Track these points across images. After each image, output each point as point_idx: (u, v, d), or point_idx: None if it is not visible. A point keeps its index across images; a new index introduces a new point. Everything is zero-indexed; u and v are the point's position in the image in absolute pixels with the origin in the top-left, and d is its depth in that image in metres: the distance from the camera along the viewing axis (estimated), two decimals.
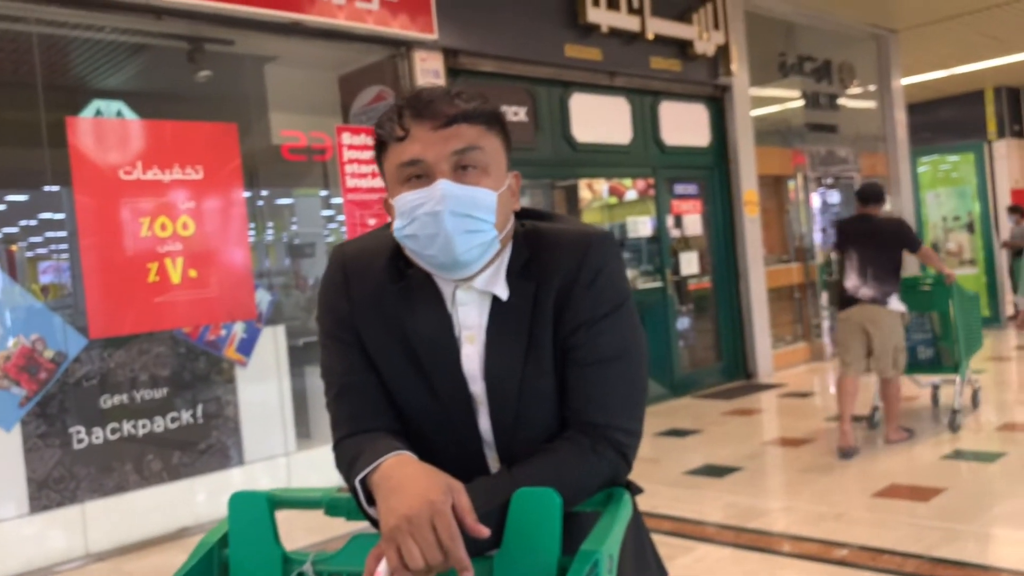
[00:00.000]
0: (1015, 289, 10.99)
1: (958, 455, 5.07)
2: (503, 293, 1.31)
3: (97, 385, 4.73)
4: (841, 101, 9.88)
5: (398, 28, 5.60)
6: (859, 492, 4.53)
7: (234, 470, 5.14)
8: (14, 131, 5.63)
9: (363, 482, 1.20)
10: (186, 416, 5.00)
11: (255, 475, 5.20)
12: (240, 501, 1.26)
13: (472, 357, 1.32)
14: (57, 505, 4.50)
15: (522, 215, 1.40)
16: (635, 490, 1.34)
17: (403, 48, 5.82)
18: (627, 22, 7.02)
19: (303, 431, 5.61)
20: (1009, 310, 11.01)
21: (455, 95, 1.27)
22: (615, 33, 6.98)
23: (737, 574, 3.63)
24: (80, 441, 4.61)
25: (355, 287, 1.36)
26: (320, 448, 5.51)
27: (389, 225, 1.37)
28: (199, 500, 4.94)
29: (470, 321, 1.32)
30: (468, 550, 1.09)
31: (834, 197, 9.92)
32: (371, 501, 1.20)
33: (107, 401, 4.74)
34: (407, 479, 1.14)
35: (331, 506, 1.29)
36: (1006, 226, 11.73)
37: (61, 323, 4.54)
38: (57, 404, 4.56)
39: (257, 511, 1.25)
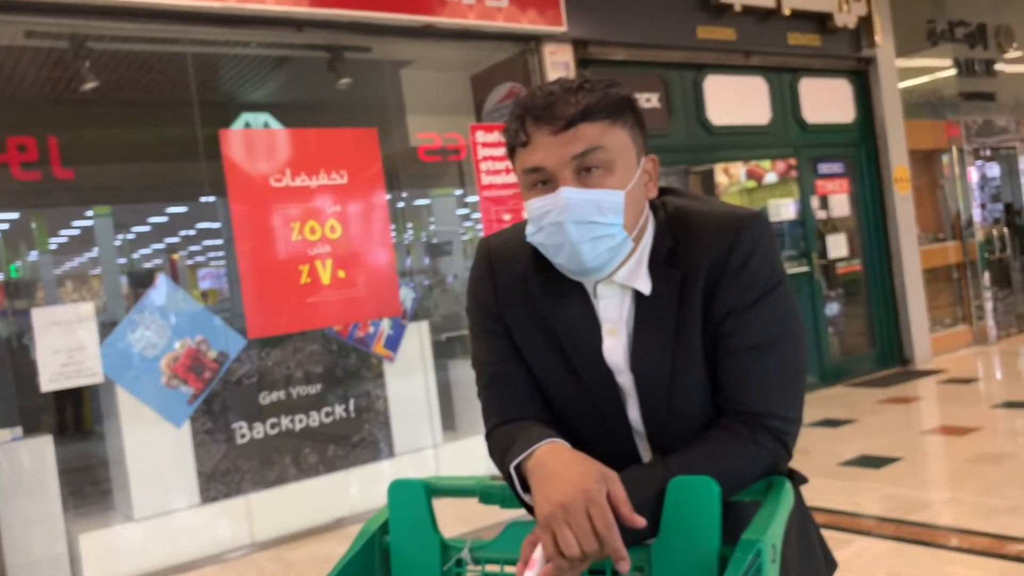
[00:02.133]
0: None
1: None
2: (645, 287, 1.28)
3: (256, 383, 4.99)
4: (999, 67, 9.23)
5: (527, 23, 5.63)
6: None
7: (385, 462, 5.31)
8: (174, 147, 6.01)
9: (518, 469, 1.21)
10: (339, 411, 5.20)
11: (405, 467, 5.35)
12: (399, 489, 1.29)
13: (615, 350, 1.30)
14: (224, 496, 4.77)
15: (664, 194, 1.37)
16: (799, 479, 1.29)
17: (532, 43, 5.84)
18: None
19: (449, 423, 5.74)
20: None
21: (577, 88, 1.23)
22: (749, 11, 6.76)
23: (900, 568, 3.45)
24: (243, 436, 4.88)
25: (501, 279, 1.37)
26: (466, 440, 5.62)
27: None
28: (353, 491, 5.13)
29: (610, 314, 1.31)
30: (624, 539, 1.08)
31: (994, 170, 9.29)
32: (525, 488, 1.21)
33: (266, 398, 4.99)
34: (562, 466, 1.14)
35: (485, 494, 1.31)
36: None
37: (222, 324, 4.81)
38: (220, 401, 4.84)
39: (415, 498, 1.28)
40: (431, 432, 5.49)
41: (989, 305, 8.59)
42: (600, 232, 1.22)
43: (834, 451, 5.23)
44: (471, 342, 1.44)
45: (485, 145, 5.51)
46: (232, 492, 4.80)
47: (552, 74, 5.81)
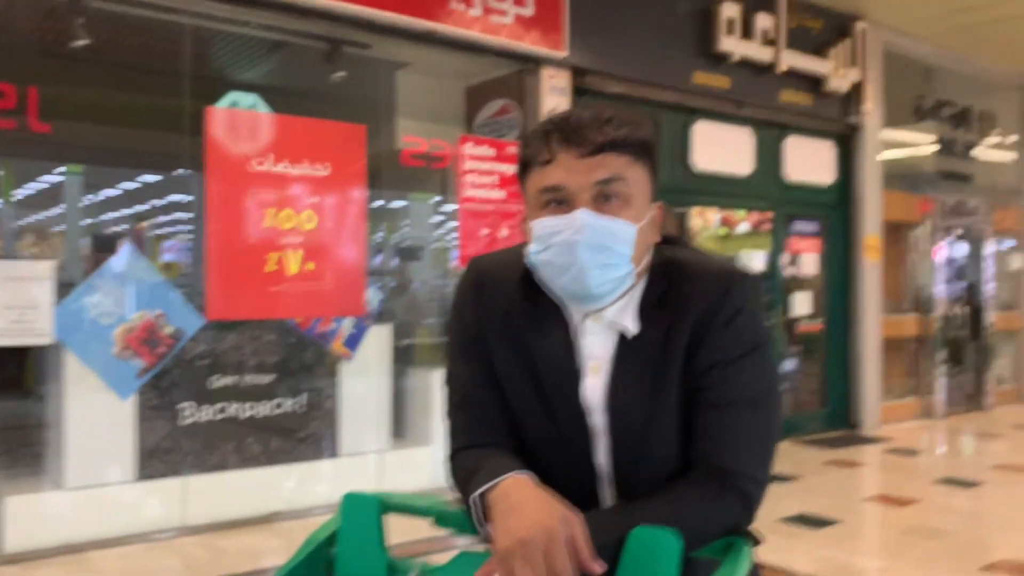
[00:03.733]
0: None
1: None
2: (633, 328, 1.28)
3: (208, 365, 4.90)
4: (977, 150, 9.44)
5: (529, 44, 5.64)
6: (966, 563, 4.28)
7: (328, 461, 5.24)
8: (158, 116, 5.92)
9: (481, 498, 1.19)
10: (289, 404, 5.13)
11: (348, 468, 5.29)
12: (352, 502, 1.27)
13: (595, 388, 1.29)
14: (161, 475, 4.68)
15: (661, 241, 1.37)
16: (755, 541, 1.29)
17: (532, 64, 5.85)
18: (760, 52, 6.88)
19: (398, 430, 5.69)
20: None
21: (606, 121, 1.24)
22: (746, 63, 6.85)
23: None
24: (188, 417, 4.79)
25: (487, 301, 1.36)
26: (413, 449, 5.57)
27: (525, 244, 1.37)
28: (292, 487, 5.05)
29: (596, 351, 1.30)
30: None
31: (961, 249, 9.47)
32: (486, 518, 1.19)
33: (216, 381, 4.91)
34: (527, 502, 1.12)
35: (441, 517, 1.29)
36: None
37: (181, 301, 4.73)
38: (170, 379, 4.75)
39: (368, 514, 1.26)
40: (378, 437, 5.43)
41: (941, 381, 8.73)
42: (610, 260, 1.22)
43: (775, 507, 5.26)
44: (447, 359, 1.43)
45: (472, 158, 5.50)
46: (170, 472, 4.70)
47: (547, 98, 5.83)
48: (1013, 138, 9.90)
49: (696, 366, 1.26)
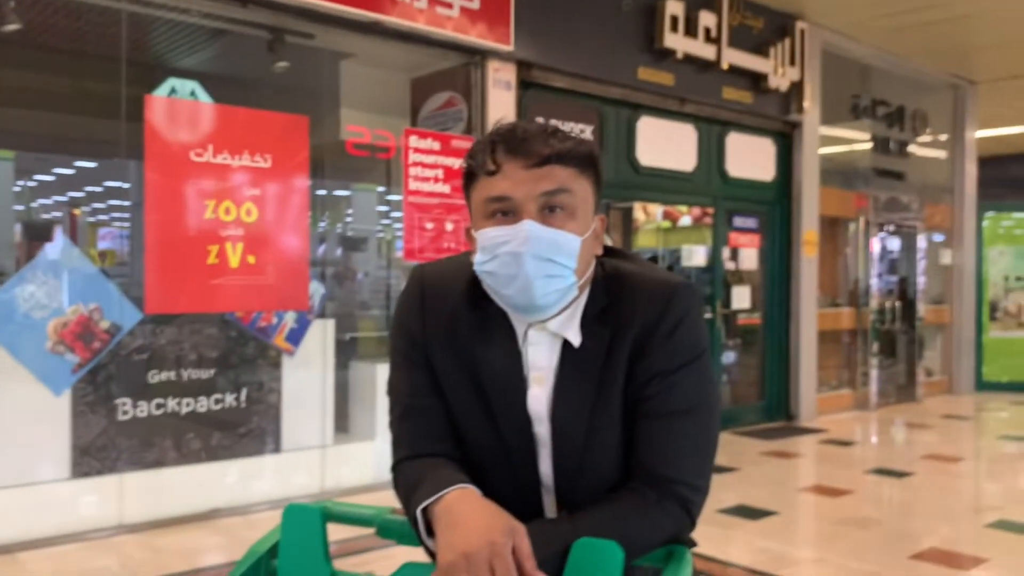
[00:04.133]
0: None
1: (1004, 525, 4.92)
2: (575, 339, 1.29)
3: (146, 359, 4.81)
4: (911, 148, 9.70)
5: (475, 36, 5.63)
6: (896, 552, 4.42)
7: (270, 456, 5.19)
8: (93, 101, 5.77)
9: (424, 511, 1.19)
10: (229, 399, 5.06)
11: (290, 464, 5.24)
12: (294, 514, 1.26)
13: (539, 398, 1.31)
14: (97, 473, 4.58)
15: (603, 253, 1.39)
16: (690, 544, 1.31)
17: (478, 56, 5.84)
18: (703, 50, 6.97)
19: (341, 425, 5.65)
20: None
21: (551, 133, 1.26)
22: (690, 60, 6.93)
23: None
24: (125, 413, 4.69)
25: (431, 311, 1.36)
26: (357, 444, 5.54)
27: (470, 252, 1.38)
28: (233, 483, 4.99)
29: (540, 362, 1.31)
30: None
31: (894, 244, 9.74)
32: (429, 532, 1.19)
33: (155, 376, 4.81)
34: (470, 515, 1.13)
35: (383, 527, 1.29)
36: None
37: (118, 294, 4.62)
38: (106, 374, 4.64)
39: (310, 526, 1.25)
40: (322, 432, 5.39)
41: (874, 373, 8.97)
42: (554, 271, 1.23)
43: (714, 497, 5.32)
44: (390, 368, 1.42)
45: (417, 151, 5.47)
46: (105, 469, 4.61)
47: (493, 91, 5.82)
48: (944, 137, 10.19)
49: (637, 377, 1.28)
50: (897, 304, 9.52)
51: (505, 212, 1.24)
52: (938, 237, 10.37)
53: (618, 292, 1.31)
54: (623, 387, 1.28)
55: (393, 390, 1.39)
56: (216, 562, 4.21)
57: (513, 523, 1.12)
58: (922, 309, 9.76)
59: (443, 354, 1.34)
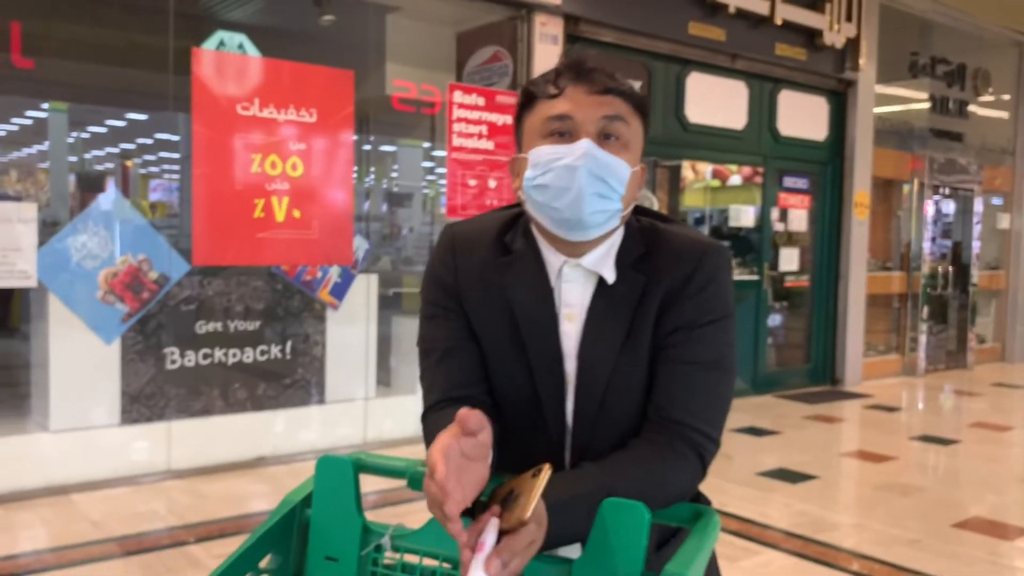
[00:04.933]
0: None
1: None
2: (610, 276, 1.32)
3: (194, 310, 4.90)
4: (971, 108, 9.40)
5: None
6: (938, 520, 4.37)
7: (314, 407, 5.28)
8: (143, 54, 5.81)
9: None
10: (275, 350, 5.14)
11: (333, 415, 5.33)
12: (327, 465, 1.27)
13: (570, 335, 1.33)
14: (146, 420, 4.70)
15: (639, 213, 1.41)
16: (706, 503, 1.32)
17: (524, 10, 5.76)
18: (756, 4, 6.79)
19: (383, 378, 5.72)
20: None
21: (613, 71, 1.30)
22: (742, 14, 6.76)
23: None
24: (173, 362, 4.80)
25: (462, 260, 1.37)
26: (398, 397, 5.62)
27: (498, 209, 1.41)
28: (277, 432, 5.09)
29: (572, 299, 1.34)
30: (549, 544, 1.07)
31: (949, 207, 9.49)
32: None
33: (202, 327, 4.90)
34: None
35: (413, 479, 1.30)
36: None
37: (167, 246, 4.70)
38: (155, 324, 4.75)
39: (342, 477, 1.26)
40: (365, 385, 5.47)
41: (923, 338, 8.81)
42: (606, 192, 1.26)
43: (754, 460, 5.34)
44: (421, 322, 1.43)
45: (462, 106, 5.44)
46: (154, 417, 4.73)
47: (539, 46, 5.75)
48: (1006, 97, 9.84)
49: (663, 327, 1.30)
50: (950, 269, 9.30)
51: (562, 133, 1.28)
52: (996, 200, 10.07)
53: (654, 244, 1.34)
54: (651, 336, 1.31)
55: (426, 339, 1.40)
56: (260, 509, 4.32)
57: (446, 442, 1.02)
58: (976, 274, 9.52)
59: (475, 298, 1.36)
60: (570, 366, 1.32)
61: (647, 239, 1.35)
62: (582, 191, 1.24)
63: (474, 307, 1.36)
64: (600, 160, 1.25)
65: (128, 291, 4.53)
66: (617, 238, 1.34)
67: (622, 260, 1.33)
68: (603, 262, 1.32)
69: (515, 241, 1.37)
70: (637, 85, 1.36)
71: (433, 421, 1.32)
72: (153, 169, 12.01)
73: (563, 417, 1.34)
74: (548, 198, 1.28)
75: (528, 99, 1.33)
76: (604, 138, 1.27)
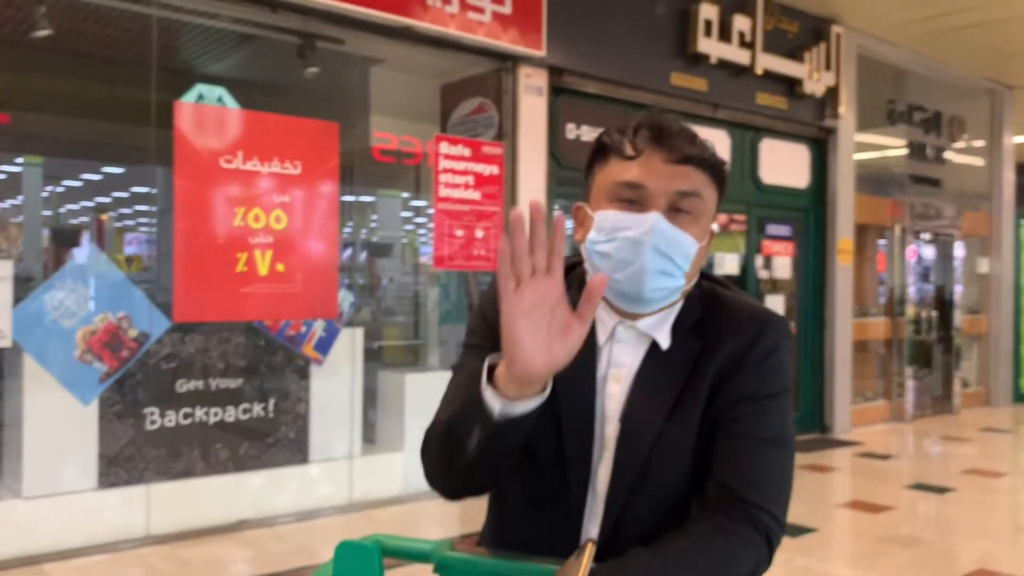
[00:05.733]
0: None
1: None
2: (664, 341, 1.26)
3: (174, 368, 4.75)
4: (947, 155, 9.51)
5: (507, 42, 5.54)
6: (941, 572, 4.28)
7: (297, 467, 5.11)
8: (121, 107, 5.74)
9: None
10: (257, 408, 4.99)
11: (318, 474, 5.16)
12: (348, 551, 1.16)
13: (614, 396, 1.27)
14: (124, 483, 4.52)
15: (701, 276, 1.36)
16: None
17: (509, 62, 5.75)
18: (737, 55, 6.84)
19: (369, 435, 5.57)
20: None
21: (693, 136, 1.24)
22: (723, 65, 6.81)
23: None
24: (153, 422, 4.63)
25: None
26: (384, 455, 5.46)
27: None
28: (261, 494, 4.92)
29: (623, 360, 1.28)
30: None
31: (930, 252, 9.54)
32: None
33: (182, 385, 4.75)
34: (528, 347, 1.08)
35: (442, 565, 1.19)
36: None
37: (146, 302, 4.56)
38: (134, 383, 4.59)
39: (365, 564, 1.15)
40: (350, 442, 5.31)
41: (910, 383, 8.78)
42: (669, 269, 1.21)
43: None
44: (461, 352, 1.38)
45: (447, 157, 5.39)
46: (133, 480, 4.54)
47: (525, 97, 5.73)
48: (981, 143, 9.98)
49: (723, 399, 1.23)
50: (933, 314, 9.32)
51: (632, 201, 1.22)
52: (974, 246, 10.16)
53: (714, 309, 1.29)
54: (704, 405, 1.24)
55: (459, 366, 1.34)
56: (243, 573, 4.13)
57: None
58: (959, 319, 9.55)
59: None
60: (610, 429, 1.25)
61: (706, 304, 1.30)
62: (645, 267, 1.19)
63: None
64: (668, 236, 1.19)
65: (107, 349, 4.38)
66: (677, 306, 1.29)
67: (679, 325, 1.28)
68: (659, 327, 1.27)
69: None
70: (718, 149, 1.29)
71: (432, 433, 1.25)
72: (129, 223, 11.86)
73: (585, 483, 1.25)
74: (609, 267, 1.21)
75: (602, 151, 1.27)
76: (675, 211, 1.21)
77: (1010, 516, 5.55)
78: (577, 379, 1.25)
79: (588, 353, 1.26)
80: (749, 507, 1.17)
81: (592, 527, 1.27)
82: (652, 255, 1.18)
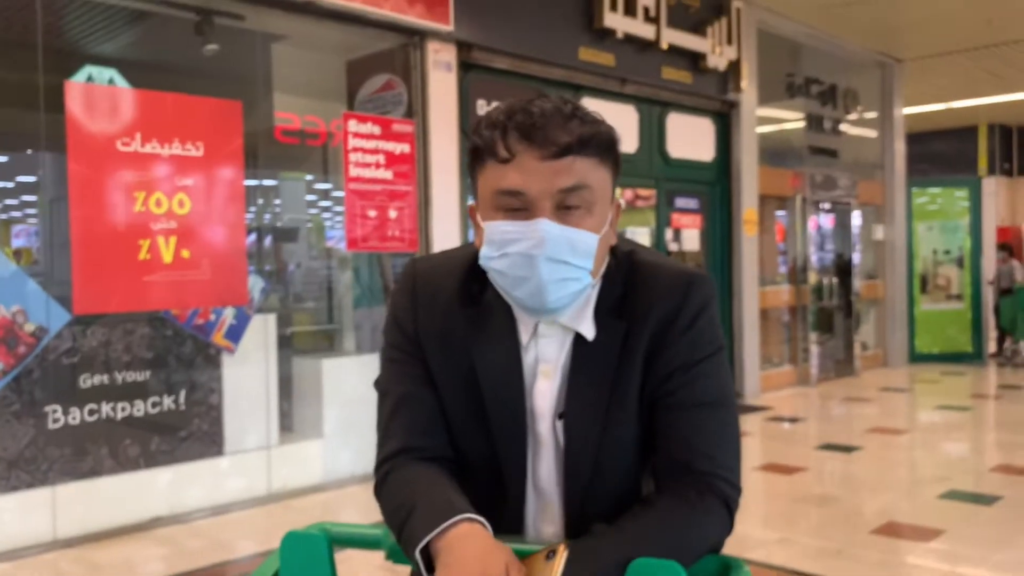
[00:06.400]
0: (1000, 327, 11.01)
1: (954, 495, 4.99)
2: (589, 333, 1.20)
3: (76, 363, 4.52)
4: (843, 127, 9.84)
5: (414, 16, 5.44)
6: (856, 528, 4.43)
7: (213, 460, 4.95)
8: (8, 92, 5.40)
9: (424, 550, 1.06)
10: (168, 401, 4.80)
11: (234, 467, 5.01)
12: (294, 542, 1.10)
13: (545, 394, 1.21)
14: (27, 486, 4.28)
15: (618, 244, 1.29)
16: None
17: (416, 37, 5.65)
18: (642, 29, 6.89)
19: (286, 424, 5.44)
20: (991, 347, 11.04)
21: (570, 116, 1.12)
22: (630, 39, 6.85)
23: None
24: (55, 421, 4.40)
25: (423, 307, 1.26)
26: (303, 443, 5.34)
27: (467, 244, 1.29)
28: (175, 490, 4.74)
29: (548, 355, 1.22)
30: None
31: (828, 221, 9.87)
32: (428, 567, 1.06)
33: (86, 381, 4.53)
34: (471, 557, 1.01)
35: (395, 550, 1.14)
36: (992, 263, 11.75)
37: (43, 295, 4.32)
38: (33, 380, 4.35)
39: (314, 555, 1.09)
40: (267, 432, 5.17)
41: (814, 348, 9.09)
42: (569, 274, 1.13)
43: None
44: (381, 366, 1.31)
45: (357, 136, 5.27)
46: (36, 482, 4.31)
47: (434, 73, 5.64)
48: (873, 115, 10.36)
49: (656, 373, 1.19)
50: (834, 281, 9.66)
51: (518, 208, 1.12)
52: (870, 214, 10.56)
53: (633, 282, 1.22)
54: (640, 384, 1.20)
55: (385, 383, 1.27)
56: (157, 574, 3.98)
57: (512, 559, 1.03)
58: (858, 285, 9.92)
59: (435, 352, 1.24)
60: (544, 427, 1.21)
61: (625, 277, 1.22)
62: (542, 281, 1.11)
63: (433, 360, 1.24)
64: (560, 242, 1.10)
65: (2, 345, 4.13)
66: (595, 289, 1.22)
67: (600, 307, 1.21)
68: (580, 317, 1.20)
69: (484, 291, 1.23)
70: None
71: (394, 480, 1.18)
72: (16, 214, 11.24)
73: (523, 484, 1.23)
74: (508, 285, 1.15)
75: (477, 154, 1.16)
76: (564, 209, 1.11)
77: (911, 471, 5.80)
78: (503, 379, 1.21)
79: (512, 352, 1.21)
80: (704, 476, 1.15)
81: (544, 525, 1.25)
82: (547, 266, 1.10)
